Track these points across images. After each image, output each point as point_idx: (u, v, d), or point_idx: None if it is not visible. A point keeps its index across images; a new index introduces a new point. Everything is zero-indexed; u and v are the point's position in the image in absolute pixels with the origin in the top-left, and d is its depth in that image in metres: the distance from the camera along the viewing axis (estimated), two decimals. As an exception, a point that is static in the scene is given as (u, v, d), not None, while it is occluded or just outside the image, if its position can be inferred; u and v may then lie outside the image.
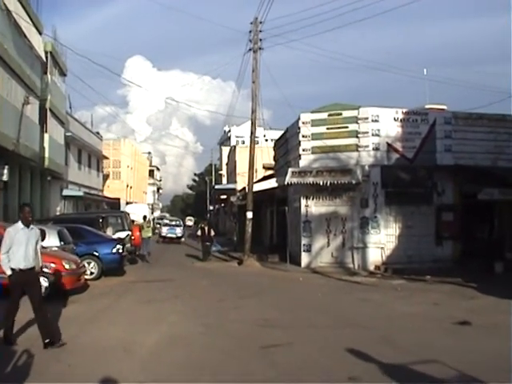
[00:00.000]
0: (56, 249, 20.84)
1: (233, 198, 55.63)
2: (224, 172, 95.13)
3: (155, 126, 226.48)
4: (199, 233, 38.41)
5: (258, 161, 36.16)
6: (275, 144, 43.18)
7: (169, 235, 63.02)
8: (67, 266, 18.46)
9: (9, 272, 11.65)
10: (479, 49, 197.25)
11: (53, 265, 18.11)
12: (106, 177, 78.03)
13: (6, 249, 11.64)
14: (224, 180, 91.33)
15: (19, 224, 11.91)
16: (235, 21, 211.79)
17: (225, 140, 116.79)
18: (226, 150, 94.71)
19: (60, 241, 21.76)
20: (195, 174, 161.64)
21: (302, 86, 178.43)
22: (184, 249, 49.26)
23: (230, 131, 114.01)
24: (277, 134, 45.67)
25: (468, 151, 31.24)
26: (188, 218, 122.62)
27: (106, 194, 73.08)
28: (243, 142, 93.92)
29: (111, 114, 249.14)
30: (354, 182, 29.93)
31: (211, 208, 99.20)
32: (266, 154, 48.35)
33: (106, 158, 74.82)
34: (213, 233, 38.57)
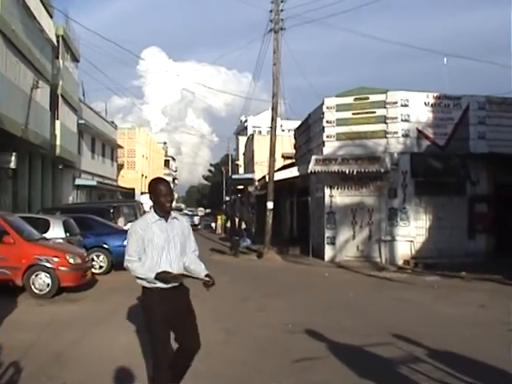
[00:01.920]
0: (61, 241, 19.18)
1: (250, 188, 54.53)
2: (241, 162, 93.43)
3: (171, 117, 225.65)
4: (228, 225, 35.92)
5: (277, 150, 34.34)
6: (296, 131, 41.47)
7: None
8: (71, 261, 16.79)
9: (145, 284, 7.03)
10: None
11: (56, 259, 16.56)
12: (120, 166, 76.57)
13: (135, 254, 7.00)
14: (241, 170, 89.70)
15: (152, 216, 7.09)
16: (251, 12, 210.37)
17: (241, 130, 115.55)
18: (242, 140, 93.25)
19: (65, 232, 20.18)
20: (211, 165, 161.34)
21: (320, 76, 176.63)
22: (201, 240, 47.76)
23: (246, 121, 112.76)
24: (294, 124, 44.20)
25: (503, 138, 29.36)
26: (199, 208, 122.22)
27: (121, 183, 71.68)
28: (260, 132, 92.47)
29: (126, 106, 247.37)
30: (382, 170, 28.14)
31: (227, 198, 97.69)
32: (284, 144, 46.93)
33: (121, 147, 73.40)
34: (243, 226, 35.94)
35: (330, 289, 20.26)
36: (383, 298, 18.04)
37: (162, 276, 6.81)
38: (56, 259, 16.51)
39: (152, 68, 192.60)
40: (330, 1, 33.04)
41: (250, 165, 73.09)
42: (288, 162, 47.93)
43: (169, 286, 6.96)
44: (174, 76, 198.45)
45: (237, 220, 35.09)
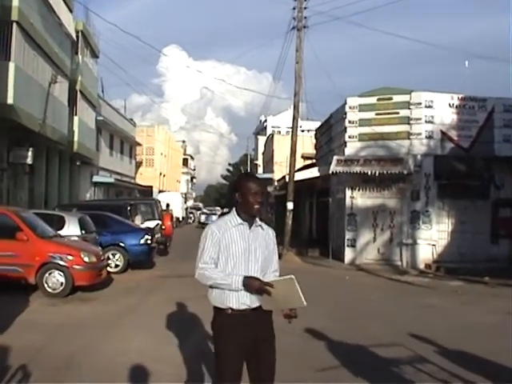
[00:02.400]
0: (76, 238, 18.73)
1: (270, 188, 53.91)
2: (260, 162, 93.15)
3: (190, 116, 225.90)
4: None
5: (297, 150, 33.67)
6: (317, 131, 40.88)
7: (206, 222, 70.63)
8: (86, 259, 16.32)
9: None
10: None
11: (70, 257, 16.11)
12: (138, 164, 76.51)
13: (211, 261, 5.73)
14: (260, 170, 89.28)
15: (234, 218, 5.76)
16: (273, 10, 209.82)
17: (260, 130, 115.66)
18: (262, 140, 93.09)
19: (81, 229, 19.74)
20: (229, 164, 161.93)
21: (341, 76, 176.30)
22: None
23: (266, 121, 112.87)
24: (314, 125, 43.72)
25: (528, 142, 28.67)
26: (216, 208, 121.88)
27: (139, 181, 71.41)
28: (279, 132, 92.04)
29: (146, 104, 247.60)
30: (405, 172, 27.50)
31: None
32: (304, 144, 46.37)
33: (139, 144, 73.25)
34: None
35: (351, 292, 19.69)
36: (406, 304, 17.44)
37: (250, 283, 5.39)
38: (70, 257, 16.07)
39: (172, 66, 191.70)
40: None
41: (269, 165, 72.75)
42: (308, 162, 47.50)
43: (246, 307, 5.53)
44: (194, 74, 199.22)
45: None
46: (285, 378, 8.89)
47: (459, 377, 9.10)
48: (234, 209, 5.77)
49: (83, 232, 19.75)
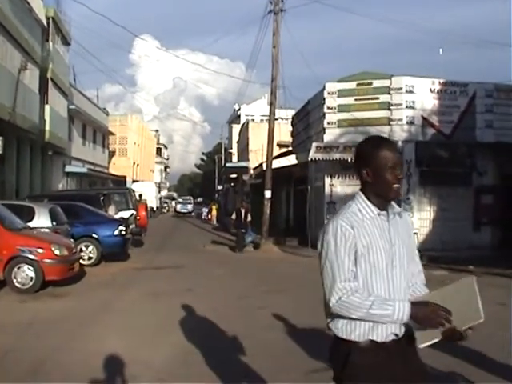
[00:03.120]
0: (46, 230, 17.85)
1: (245, 177, 53.35)
2: (234, 150, 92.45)
3: (163, 106, 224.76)
4: (233, 216, 31.27)
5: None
6: (293, 118, 40.06)
7: (182, 210, 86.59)
8: (57, 252, 15.44)
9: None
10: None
11: (40, 250, 15.22)
12: (111, 153, 75.51)
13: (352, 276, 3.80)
14: (234, 158, 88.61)
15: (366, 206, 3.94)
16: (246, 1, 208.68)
17: (234, 118, 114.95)
18: (236, 128, 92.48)
19: (52, 221, 18.77)
20: (203, 153, 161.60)
21: (321, 64, 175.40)
22: (196, 230, 46.83)
23: (239, 109, 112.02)
24: (289, 114, 43.10)
25: (510, 127, 28.35)
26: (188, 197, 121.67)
27: (112, 171, 70.31)
28: (253, 121, 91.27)
29: (119, 94, 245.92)
30: (385, 159, 26.69)
31: (220, 188, 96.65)
32: (279, 132, 45.67)
33: (112, 133, 72.23)
34: (249, 218, 31.13)
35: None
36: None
37: (426, 315, 3.66)
38: (40, 250, 15.17)
39: (144, 56, 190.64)
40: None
41: (243, 153, 72.22)
42: (284, 150, 46.78)
43: (394, 337, 3.79)
44: (167, 64, 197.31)
45: (243, 211, 31.14)
46: (275, 379, 8.21)
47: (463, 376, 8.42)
48: (359, 193, 4.04)
49: (54, 223, 18.80)
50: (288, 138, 44.38)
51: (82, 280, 17.47)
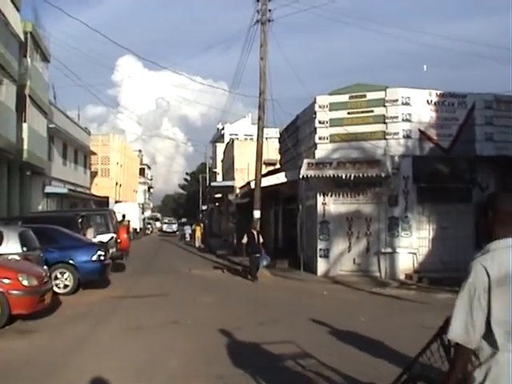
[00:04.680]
0: (15, 257, 16.11)
1: (231, 196, 52.32)
2: (219, 170, 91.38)
3: (146, 126, 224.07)
4: (245, 240, 28.08)
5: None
6: (281, 135, 38.63)
7: (167, 230, 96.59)
8: (25, 282, 13.73)
9: None
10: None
11: (6, 280, 13.48)
12: (93, 174, 73.95)
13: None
14: (219, 178, 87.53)
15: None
16: (228, 23, 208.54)
17: (218, 138, 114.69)
18: (221, 147, 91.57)
19: (22, 246, 16.99)
20: (187, 174, 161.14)
21: (311, 80, 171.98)
22: (181, 253, 45.30)
23: (223, 128, 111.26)
24: (273, 132, 41.97)
25: (511, 140, 26.93)
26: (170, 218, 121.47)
27: (94, 192, 68.78)
28: (238, 139, 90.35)
29: (102, 115, 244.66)
30: (383, 174, 25.37)
31: (204, 208, 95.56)
32: (267, 150, 44.42)
33: (94, 153, 70.66)
34: (261, 240, 28.16)
35: (335, 311, 17.22)
36: (402, 324, 14.93)
37: None
38: (6, 281, 13.42)
39: (127, 77, 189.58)
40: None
41: (229, 172, 71.06)
42: (270, 168, 45.58)
43: None
44: (150, 85, 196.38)
45: (255, 233, 28.01)
46: None
47: None
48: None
49: (25, 249, 17.06)
50: (274, 156, 43.23)
51: (55, 312, 15.75)
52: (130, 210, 62.34)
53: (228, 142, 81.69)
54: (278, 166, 43.58)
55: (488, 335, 3.99)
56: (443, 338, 5.47)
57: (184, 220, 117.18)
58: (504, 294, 3.95)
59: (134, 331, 13.39)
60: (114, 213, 32.53)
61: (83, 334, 12.94)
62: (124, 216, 40.39)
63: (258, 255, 27.11)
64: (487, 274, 3.99)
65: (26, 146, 37.25)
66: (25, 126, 37.51)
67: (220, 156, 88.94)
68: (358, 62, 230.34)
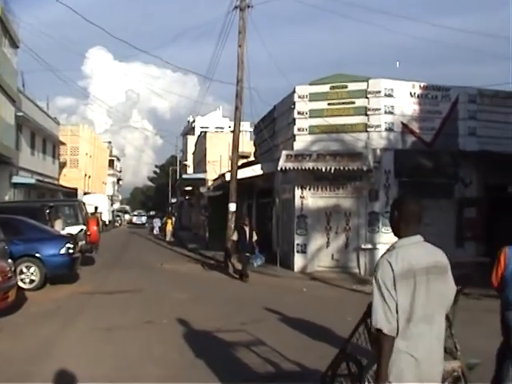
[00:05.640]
0: (-23, 250, 15.02)
1: (203, 189, 51.50)
2: (190, 162, 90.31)
3: (115, 118, 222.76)
4: (235, 237, 25.67)
5: (229, 150, 30.68)
6: (256, 126, 37.93)
7: (137, 222, 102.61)
8: (-14, 279, 12.61)
9: None
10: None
11: (-36, 276, 12.30)
12: (62, 165, 72.44)
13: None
14: (189, 170, 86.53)
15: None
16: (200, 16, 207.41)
17: (188, 130, 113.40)
18: (192, 139, 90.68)
19: (-17, 238, 15.89)
20: (156, 166, 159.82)
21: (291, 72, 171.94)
22: (149, 245, 44.39)
23: (194, 121, 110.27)
24: (246, 126, 41.16)
25: (495, 135, 26.32)
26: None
27: (63, 183, 67.28)
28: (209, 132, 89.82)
29: (71, 106, 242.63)
30: (364, 168, 24.55)
31: (174, 200, 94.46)
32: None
33: (63, 143, 69.23)
34: (255, 237, 25.86)
35: (318, 310, 16.27)
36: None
37: None
38: (-35, 276, 12.36)
39: (97, 68, 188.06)
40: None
41: (200, 165, 70.29)
42: (244, 161, 44.76)
43: None
44: (120, 76, 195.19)
45: (247, 230, 25.77)
46: None
47: None
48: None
49: (-14, 242, 16.00)
50: (247, 149, 42.28)
51: (19, 310, 14.66)
52: (100, 202, 61.60)
53: (200, 134, 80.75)
54: (251, 158, 42.81)
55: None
56: (367, 321, 6.11)
57: (153, 213, 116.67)
58: (407, 285, 4.53)
59: (104, 332, 12.35)
60: (84, 204, 31.37)
61: (48, 336, 11.87)
62: (96, 208, 39.51)
63: (248, 254, 25.10)
64: (391, 268, 4.55)
65: (-8, 134, 35.95)
66: (-9, 113, 36.18)
67: (191, 148, 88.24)
68: (341, 54, 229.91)
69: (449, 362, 6.02)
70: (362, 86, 26.01)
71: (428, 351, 4.54)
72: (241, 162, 43.32)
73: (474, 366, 7.10)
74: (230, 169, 31.19)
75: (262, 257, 25.85)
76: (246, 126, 58.38)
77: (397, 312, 4.46)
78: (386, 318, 4.43)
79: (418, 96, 26.18)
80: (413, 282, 4.54)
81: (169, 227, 55.92)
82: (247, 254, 24.75)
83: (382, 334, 4.43)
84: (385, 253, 4.82)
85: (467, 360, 6.85)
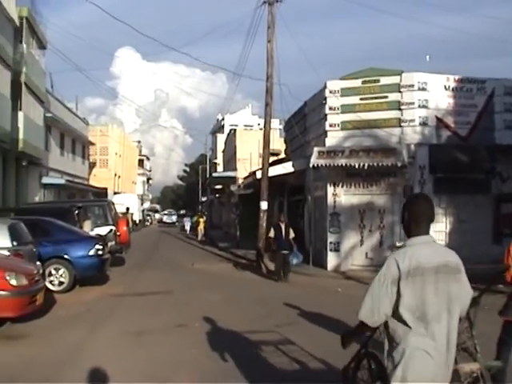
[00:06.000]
0: (5, 252, 14.65)
1: (233, 187, 51.25)
2: (219, 160, 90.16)
3: (144, 118, 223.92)
4: (272, 234, 24.41)
5: (262, 146, 30.19)
6: (286, 123, 37.45)
7: (168, 221, 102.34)
8: (13, 282, 12.25)
9: None
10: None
11: (-9, 280, 11.94)
12: (92, 165, 72.69)
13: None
14: (219, 169, 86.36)
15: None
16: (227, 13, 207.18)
17: (217, 129, 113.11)
18: (221, 137, 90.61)
19: (12, 240, 15.50)
20: (186, 165, 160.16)
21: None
22: (179, 245, 44.06)
23: (223, 119, 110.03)
24: (276, 123, 40.80)
25: (531, 129, 25.80)
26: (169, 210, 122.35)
27: (93, 183, 67.43)
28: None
29: (100, 107, 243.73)
30: (399, 164, 24.05)
31: (204, 199, 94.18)
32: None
33: (93, 143, 69.43)
34: (292, 234, 24.28)
35: (353, 311, 15.74)
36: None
37: None
38: (-8, 280, 11.99)
39: (126, 68, 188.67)
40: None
41: (230, 163, 70.09)
42: (274, 158, 44.43)
43: None
44: (149, 76, 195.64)
45: (283, 227, 24.29)
46: None
47: None
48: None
49: (15, 243, 15.61)
50: (277, 147, 41.88)
51: (48, 313, 14.30)
52: (130, 202, 61.42)
53: (229, 132, 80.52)
54: (281, 156, 42.42)
55: (400, 319, 4.65)
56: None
57: (183, 212, 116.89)
58: (414, 283, 4.60)
59: (135, 336, 11.93)
60: (113, 204, 31.07)
61: (77, 340, 11.46)
62: (128, 208, 39.29)
63: (286, 252, 23.74)
64: (398, 267, 4.64)
65: (21, 136, 35.86)
66: (20, 114, 36.05)
67: (220, 147, 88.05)
68: (372, 49, 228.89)
69: (468, 363, 6.00)
70: (394, 79, 25.53)
71: (439, 350, 4.60)
72: (271, 159, 42.97)
73: (494, 368, 6.96)
74: (260, 166, 30.80)
75: (299, 255, 25.10)
76: (276, 124, 58.12)
77: (385, 307, 4.69)
78: (372, 312, 4.72)
79: (452, 89, 25.68)
80: (420, 281, 4.62)
81: (200, 226, 55.49)
82: (284, 252, 23.58)
83: (364, 323, 4.86)
84: (395, 251, 4.96)
85: (487, 362, 6.65)
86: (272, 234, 24.16)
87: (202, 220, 56.72)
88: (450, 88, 25.60)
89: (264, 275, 25.15)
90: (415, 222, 4.88)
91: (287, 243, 23.86)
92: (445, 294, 4.67)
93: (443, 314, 4.66)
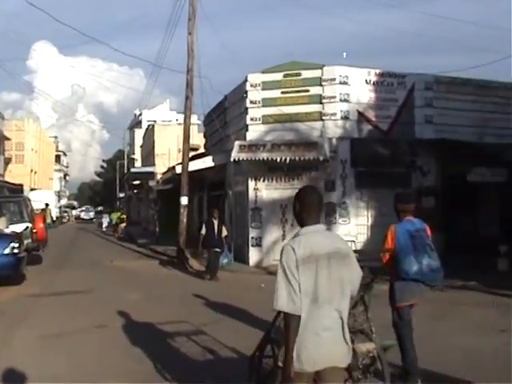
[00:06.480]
0: None
1: (152, 183, 50.75)
2: (137, 156, 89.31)
3: (61, 113, 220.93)
4: (203, 231, 23.10)
5: (180, 141, 29.89)
6: (206, 117, 36.99)
7: (85, 217, 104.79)
8: None
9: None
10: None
11: None
12: (7, 160, 71.29)
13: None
14: (137, 164, 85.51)
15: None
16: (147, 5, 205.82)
17: (135, 124, 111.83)
18: (139, 133, 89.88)
19: None
20: (103, 161, 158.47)
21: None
22: (98, 242, 43.44)
23: (141, 114, 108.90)
24: (194, 118, 40.61)
25: (452, 123, 26.19)
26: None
27: (8, 179, 65.98)
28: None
29: (16, 102, 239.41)
30: (321, 158, 23.99)
31: (121, 195, 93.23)
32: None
33: (8, 138, 68.25)
34: (225, 232, 23.47)
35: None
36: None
37: None
38: None
39: (42, 62, 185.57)
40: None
41: (148, 158, 69.87)
42: (193, 153, 44.15)
43: None
44: (65, 70, 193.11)
45: (215, 224, 23.37)
46: None
47: None
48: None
49: None
50: (196, 142, 41.73)
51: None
52: (47, 198, 60.32)
53: (148, 127, 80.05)
54: (201, 150, 42.18)
55: None
56: None
57: (101, 208, 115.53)
58: (309, 269, 4.88)
59: (52, 339, 11.37)
60: (29, 200, 30.14)
61: (-9, 346, 10.90)
62: (47, 205, 38.50)
63: (217, 250, 22.76)
64: (294, 253, 4.88)
65: None
66: None
67: (138, 142, 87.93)
68: (296, 46, 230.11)
69: (364, 343, 6.77)
70: (316, 73, 25.53)
71: (332, 330, 4.92)
72: (190, 154, 42.65)
73: (388, 347, 7.83)
74: (179, 161, 30.41)
75: (229, 255, 24.70)
76: (194, 119, 57.79)
77: (300, 292, 4.84)
78: (291, 299, 4.80)
79: (373, 83, 25.90)
80: (314, 267, 4.91)
81: (123, 223, 54.13)
82: (216, 250, 22.63)
83: (287, 314, 4.81)
84: (289, 240, 5.19)
85: (382, 342, 7.50)
86: (203, 230, 23.10)
87: (124, 217, 55.78)
88: (371, 82, 25.76)
89: (185, 272, 24.81)
90: (306, 212, 5.19)
91: (219, 241, 22.92)
92: (337, 277, 4.98)
93: (336, 295, 4.97)
